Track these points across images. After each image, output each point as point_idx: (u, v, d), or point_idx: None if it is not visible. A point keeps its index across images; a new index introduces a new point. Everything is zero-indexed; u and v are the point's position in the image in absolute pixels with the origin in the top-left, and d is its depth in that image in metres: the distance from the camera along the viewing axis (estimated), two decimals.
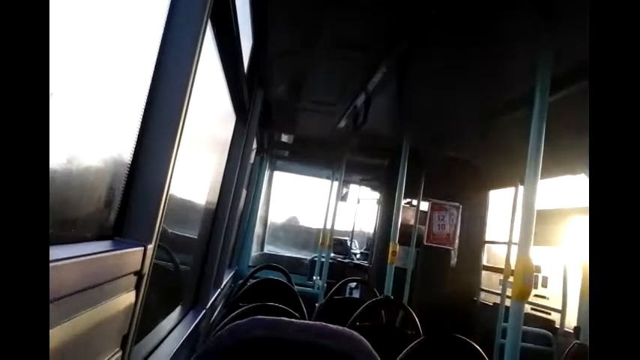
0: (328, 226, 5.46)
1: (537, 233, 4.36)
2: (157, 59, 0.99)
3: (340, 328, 0.61)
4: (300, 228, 7.70)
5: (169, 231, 1.84)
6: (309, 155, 5.71)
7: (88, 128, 0.87)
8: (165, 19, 1.00)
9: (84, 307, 0.76)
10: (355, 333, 0.61)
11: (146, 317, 1.55)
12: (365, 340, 0.62)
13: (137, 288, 0.98)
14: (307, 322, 0.61)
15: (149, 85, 0.99)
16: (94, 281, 0.79)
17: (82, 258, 0.75)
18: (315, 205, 7.01)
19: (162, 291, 1.89)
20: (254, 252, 6.20)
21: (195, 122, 1.53)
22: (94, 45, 0.81)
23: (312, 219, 7.29)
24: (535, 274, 4.39)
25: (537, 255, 4.42)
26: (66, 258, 0.68)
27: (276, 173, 6.86)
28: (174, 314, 2.09)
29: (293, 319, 0.61)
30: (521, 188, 3.70)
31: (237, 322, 0.62)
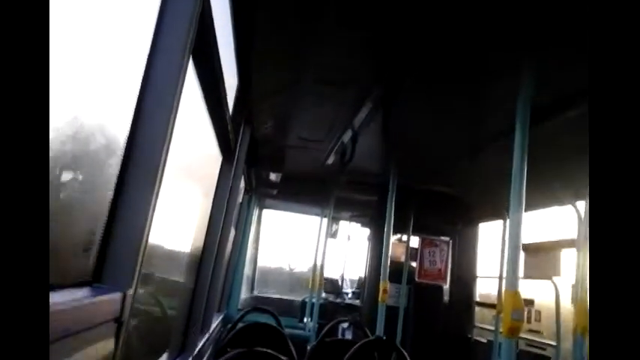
0: (318, 265, 5.39)
1: (528, 266, 4.33)
2: (138, 99, 0.98)
3: None
4: (290, 269, 7.59)
5: (154, 275, 1.79)
6: (298, 192, 5.69)
7: (67, 170, 0.84)
8: (146, 56, 0.99)
9: (62, 357, 0.72)
10: None
11: None
12: None
13: (117, 335, 0.93)
14: None
15: (130, 125, 0.97)
16: (71, 330, 0.75)
17: (60, 307, 0.72)
18: (305, 244, 6.95)
19: (147, 337, 1.82)
20: (243, 294, 6.08)
21: (178, 163, 1.51)
22: (75, 81, 0.79)
23: (303, 258, 7.20)
24: (527, 307, 4.37)
25: (530, 288, 4.39)
26: None
27: (265, 211, 6.81)
28: None
29: None
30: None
31: None
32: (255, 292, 6.58)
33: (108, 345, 0.92)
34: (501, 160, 2.82)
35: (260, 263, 6.89)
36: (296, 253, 7.45)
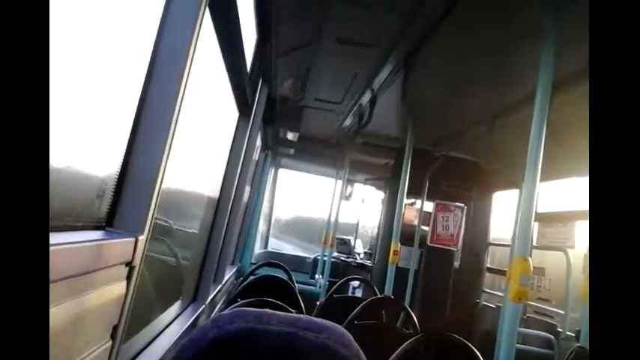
0: (332, 225, 5.45)
1: (542, 236, 4.31)
2: (153, 49, 0.99)
3: (323, 321, 0.60)
4: (304, 225, 7.70)
5: (171, 225, 1.84)
6: (314, 153, 5.71)
7: (82, 117, 0.86)
8: (162, 9, 1.00)
9: (73, 294, 0.76)
10: (338, 326, 0.61)
11: (143, 309, 1.55)
12: (348, 333, 0.61)
13: (128, 279, 0.97)
14: (290, 314, 0.60)
15: (145, 74, 0.98)
16: (83, 269, 0.79)
17: (72, 245, 0.75)
18: (320, 204, 7.01)
19: (161, 284, 1.89)
20: (257, 249, 6.21)
21: (195, 115, 1.53)
22: (89, 35, 0.80)
23: (317, 217, 7.29)
24: (538, 276, 4.39)
25: (543, 258, 4.40)
26: (56, 244, 0.68)
27: (281, 171, 6.86)
28: (174, 308, 2.09)
29: (276, 312, 0.60)
30: None
31: (221, 313, 0.61)
32: (269, 248, 6.70)
33: (120, 287, 0.96)
34: (520, 129, 2.78)
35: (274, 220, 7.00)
36: (310, 213, 7.53)
